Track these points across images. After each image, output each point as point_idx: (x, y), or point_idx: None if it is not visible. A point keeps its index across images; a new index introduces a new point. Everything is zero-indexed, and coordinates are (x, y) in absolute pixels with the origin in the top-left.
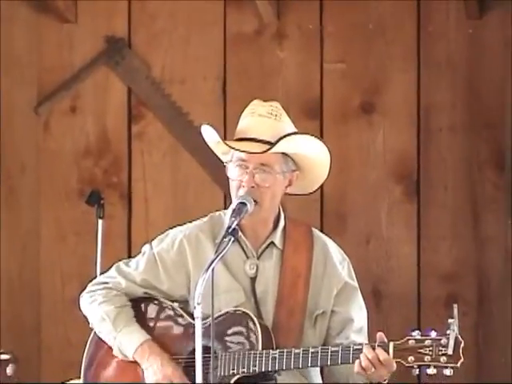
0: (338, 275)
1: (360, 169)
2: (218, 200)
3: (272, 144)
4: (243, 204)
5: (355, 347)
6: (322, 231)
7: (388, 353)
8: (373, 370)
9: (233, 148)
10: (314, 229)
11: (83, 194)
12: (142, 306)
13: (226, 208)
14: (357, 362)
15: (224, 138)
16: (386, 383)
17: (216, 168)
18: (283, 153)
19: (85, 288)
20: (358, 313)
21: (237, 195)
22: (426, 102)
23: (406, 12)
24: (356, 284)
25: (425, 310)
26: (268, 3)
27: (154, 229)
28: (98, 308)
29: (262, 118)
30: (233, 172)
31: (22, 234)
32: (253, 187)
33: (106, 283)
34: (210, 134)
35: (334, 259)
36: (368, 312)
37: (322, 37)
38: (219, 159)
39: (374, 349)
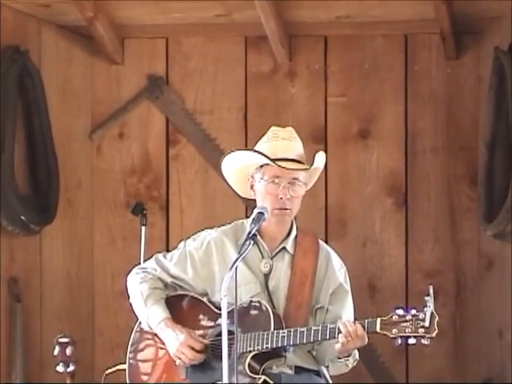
0: (335, 277)
1: (358, 184)
2: (240, 210)
3: (302, 162)
4: (261, 213)
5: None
6: (326, 236)
7: (364, 329)
8: (350, 339)
9: (283, 167)
10: (319, 239)
11: (129, 206)
12: (180, 298)
13: (247, 217)
14: (341, 334)
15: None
16: (352, 358)
17: None
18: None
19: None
20: (347, 312)
21: (274, 206)
22: (413, 129)
23: (396, 55)
24: (349, 289)
25: (411, 301)
26: (281, 47)
27: (188, 234)
28: (137, 286)
29: (285, 141)
30: (268, 188)
31: (78, 239)
32: (288, 199)
33: (146, 268)
34: (252, 157)
35: (334, 265)
36: (364, 303)
37: (326, 75)
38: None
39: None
